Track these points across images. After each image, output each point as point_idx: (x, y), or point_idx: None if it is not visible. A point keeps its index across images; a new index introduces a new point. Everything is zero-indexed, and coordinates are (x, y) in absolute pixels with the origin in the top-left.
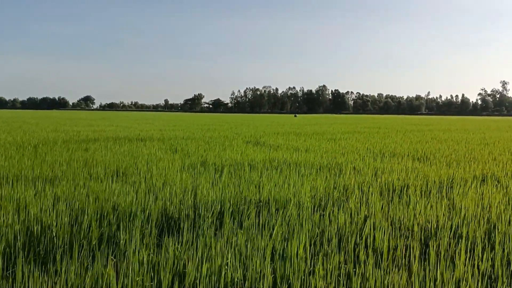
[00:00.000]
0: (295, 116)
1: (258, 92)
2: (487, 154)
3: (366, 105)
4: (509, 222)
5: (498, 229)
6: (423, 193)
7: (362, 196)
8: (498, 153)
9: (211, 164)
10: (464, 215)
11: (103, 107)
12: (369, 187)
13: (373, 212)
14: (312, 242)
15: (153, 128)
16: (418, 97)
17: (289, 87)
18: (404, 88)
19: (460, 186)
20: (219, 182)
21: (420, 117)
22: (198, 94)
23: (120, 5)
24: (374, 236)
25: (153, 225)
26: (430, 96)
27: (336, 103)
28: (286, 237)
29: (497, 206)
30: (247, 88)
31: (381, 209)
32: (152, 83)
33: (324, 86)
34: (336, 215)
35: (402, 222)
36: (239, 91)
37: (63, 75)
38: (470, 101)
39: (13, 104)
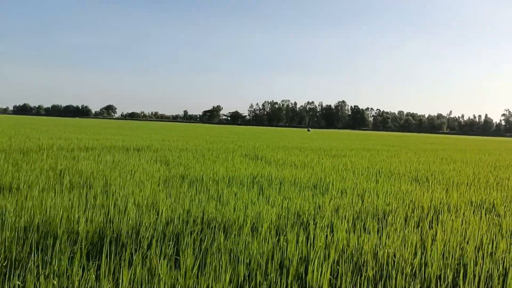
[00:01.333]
0: (308, 130)
1: (276, 106)
2: (493, 178)
3: (386, 122)
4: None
5: (467, 273)
6: (402, 221)
7: (333, 221)
8: (506, 177)
9: (191, 177)
10: (432, 251)
11: (124, 117)
12: (345, 213)
13: (333, 241)
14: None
15: (158, 138)
16: (439, 116)
17: (308, 102)
18: (426, 106)
19: (450, 213)
20: (185, 197)
21: (439, 136)
22: (217, 106)
23: (143, 17)
24: (316, 269)
25: (82, 246)
26: (452, 115)
27: (355, 119)
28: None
29: (479, 241)
30: (265, 101)
31: (342, 239)
32: (173, 94)
33: (343, 101)
34: (284, 244)
35: (353, 256)
36: (257, 104)
37: (87, 84)
38: (494, 121)
39: (38, 111)
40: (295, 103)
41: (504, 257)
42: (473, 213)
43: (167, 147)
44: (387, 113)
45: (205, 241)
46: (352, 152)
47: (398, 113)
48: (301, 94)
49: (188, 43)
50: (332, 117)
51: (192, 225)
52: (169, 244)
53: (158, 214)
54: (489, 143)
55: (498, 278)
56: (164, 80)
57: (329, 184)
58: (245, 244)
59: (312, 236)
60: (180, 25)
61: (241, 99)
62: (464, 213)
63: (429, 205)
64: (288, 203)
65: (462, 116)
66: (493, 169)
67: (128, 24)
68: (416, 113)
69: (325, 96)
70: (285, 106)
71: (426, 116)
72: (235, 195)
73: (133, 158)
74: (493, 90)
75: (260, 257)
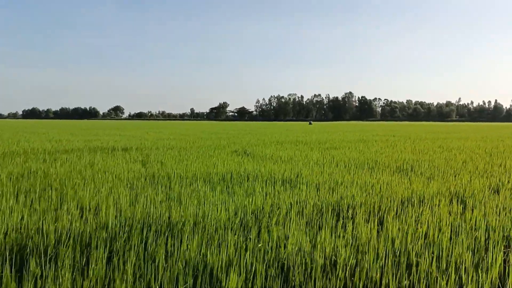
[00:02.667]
0: (310, 123)
1: (283, 100)
2: (483, 165)
3: (394, 112)
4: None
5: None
6: (366, 216)
7: (291, 217)
8: (497, 163)
9: (161, 176)
10: (369, 254)
11: (132, 117)
12: (306, 206)
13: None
14: None
15: (155, 137)
16: (448, 104)
17: (315, 94)
18: (434, 94)
19: (419, 205)
20: (139, 198)
21: (447, 124)
22: (223, 102)
23: (149, 17)
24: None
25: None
26: (461, 102)
27: (363, 110)
28: None
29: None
30: (271, 96)
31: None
32: (179, 93)
33: (350, 93)
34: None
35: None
36: (263, 99)
37: (94, 86)
38: (504, 107)
39: (46, 115)
40: (302, 97)
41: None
42: (447, 205)
43: (158, 146)
44: (395, 102)
45: (131, 244)
46: (347, 144)
47: (406, 102)
48: (307, 87)
49: (192, 40)
50: (339, 109)
51: (127, 229)
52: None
53: (96, 217)
54: (496, 129)
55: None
56: (170, 79)
57: (304, 178)
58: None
59: (253, 237)
60: (182, 22)
61: (247, 95)
62: (435, 205)
63: (405, 197)
64: (249, 200)
65: (472, 102)
66: (489, 156)
67: (131, 24)
68: (424, 102)
69: (332, 88)
70: (291, 100)
71: (435, 104)
72: (196, 194)
73: (114, 158)
74: (503, 75)
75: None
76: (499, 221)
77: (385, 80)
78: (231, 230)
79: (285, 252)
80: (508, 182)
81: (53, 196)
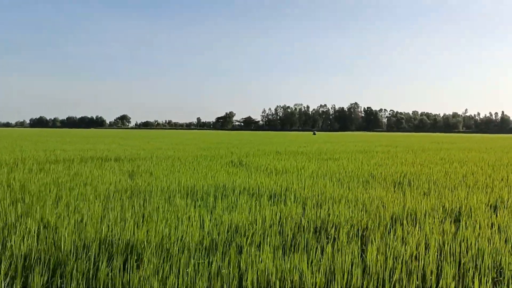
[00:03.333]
0: (314, 134)
1: (289, 110)
2: (484, 179)
3: (400, 122)
4: None
5: None
6: (347, 236)
7: (267, 239)
8: (498, 178)
9: (144, 190)
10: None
11: (138, 126)
12: (287, 224)
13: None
14: None
15: (154, 146)
16: (455, 115)
17: (321, 105)
18: (441, 105)
19: (406, 225)
20: (107, 215)
21: (453, 135)
22: (230, 112)
23: (157, 27)
24: None
25: None
26: (467, 114)
27: (369, 120)
28: None
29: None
30: (278, 105)
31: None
32: (186, 103)
33: (356, 103)
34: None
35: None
36: (270, 109)
37: (101, 95)
38: (511, 119)
39: (54, 123)
40: (308, 107)
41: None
42: (440, 223)
43: (153, 156)
44: (401, 113)
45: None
46: (347, 155)
47: (412, 113)
48: (313, 97)
49: (199, 50)
50: (345, 120)
51: (80, 251)
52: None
53: (55, 235)
54: (501, 140)
55: None
56: (177, 89)
57: (293, 193)
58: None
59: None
60: (190, 32)
61: (254, 105)
62: (428, 224)
63: (396, 214)
64: (228, 217)
65: (478, 114)
66: (491, 169)
67: (139, 34)
68: (430, 113)
69: (338, 98)
70: (297, 110)
71: (441, 115)
72: (174, 209)
73: (102, 169)
74: (510, 86)
75: None
76: (493, 243)
77: (391, 91)
78: (199, 252)
79: (246, 280)
80: (508, 199)
81: (19, 210)
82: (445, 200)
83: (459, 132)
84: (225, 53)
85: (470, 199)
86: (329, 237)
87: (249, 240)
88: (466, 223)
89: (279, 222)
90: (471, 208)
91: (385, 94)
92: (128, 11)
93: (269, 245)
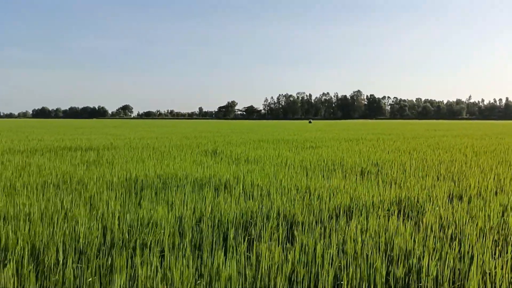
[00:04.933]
0: (310, 122)
1: (292, 99)
2: (460, 166)
3: (403, 110)
4: None
5: None
6: (279, 234)
7: (174, 240)
8: (477, 164)
9: (93, 179)
10: None
11: (140, 116)
12: (213, 219)
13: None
14: None
15: (136, 136)
16: (458, 102)
17: (323, 93)
18: (444, 92)
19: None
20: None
21: (454, 121)
22: (232, 101)
23: (155, 17)
24: None
25: None
26: (471, 100)
27: (372, 108)
28: None
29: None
30: (280, 94)
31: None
32: (188, 92)
33: (359, 91)
34: None
35: None
36: (272, 97)
37: (103, 85)
38: None
39: (56, 114)
40: (310, 95)
41: None
42: (383, 216)
43: (130, 146)
44: (404, 101)
45: None
46: (333, 143)
47: (416, 101)
48: (316, 86)
49: (201, 41)
50: (348, 108)
51: None
52: None
53: None
54: (502, 126)
55: None
56: (178, 78)
57: (245, 182)
58: None
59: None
60: (191, 24)
61: (256, 94)
62: (374, 217)
63: (337, 205)
64: (146, 213)
65: (482, 100)
66: (475, 156)
67: (138, 24)
68: (434, 100)
69: (341, 87)
70: (300, 98)
71: (445, 102)
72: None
73: (62, 160)
74: None
75: None
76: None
77: (394, 79)
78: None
79: None
80: (474, 187)
81: None
82: (407, 190)
83: (462, 118)
84: (228, 43)
85: (436, 188)
86: (254, 234)
87: (155, 237)
88: (414, 216)
89: (197, 221)
90: (431, 199)
91: (388, 81)
92: (131, 2)
93: (180, 251)
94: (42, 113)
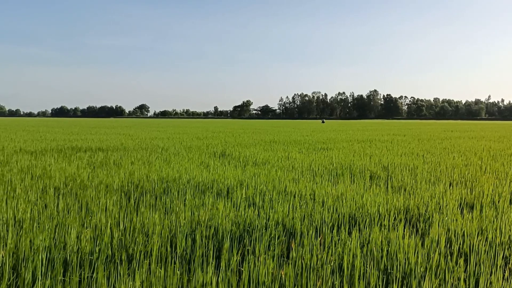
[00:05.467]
0: (323, 122)
1: (307, 98)
2: (474, 172)
3: (420, 110)
4: None
5: None
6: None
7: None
8: (493, 169)
9: (97, 184)
10: None
11: (156, 115)
12: (206, 230)
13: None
14: None
15: (148, 136)
16: (477, 101)
17: (339, 92)
18: (463, 92)
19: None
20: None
21: (473, 122)
22: (247, 100)
23: (175, 17)
24: None
25: None
26: (491, 100)
27: (388, 108)
28: None
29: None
30: (295, 94)
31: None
32: (204, 92)
33: (375, 90)
34: None
35: None
36: (287, 97)
37: (121, 84)
38: None
39: (74, 113)
40: (326, 95)
41: None
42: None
43: (143, 146)
44: (421, 100)
45: None
46: (345, 144)
47: (433, 100)
48: (332, 85)
49: (217, 40)
50: (364, 107)
51: None
52: None
53: None
54: None
55: None
56: (195, 78)
57: (245, 188)
58: None
59: None
60: (208, 24)
61: (271, 93)
62: (382, 228)
63: (342, 215)
64: (138, 219)
65: (502, 100)
66: (492, 160)
67: (157, 24)
68: (452, 100)
69: (357, 86)
70: (315, 98)
71: (463, 102)
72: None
73: (69, 161)
74: None
75: None
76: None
77: (412, 78)
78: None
79: None
80: (488, 195)
81: None
82: (415, 198)
83: (481, 119)
84: (244, 42)
85: (447, 195)
86: (247, 248)
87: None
88: (425, 229)
89: (192, 230)
90: (440, 208)
91: (406, 81)
92: (148, 2)
93: (146, 257)
94: (61, 112)
